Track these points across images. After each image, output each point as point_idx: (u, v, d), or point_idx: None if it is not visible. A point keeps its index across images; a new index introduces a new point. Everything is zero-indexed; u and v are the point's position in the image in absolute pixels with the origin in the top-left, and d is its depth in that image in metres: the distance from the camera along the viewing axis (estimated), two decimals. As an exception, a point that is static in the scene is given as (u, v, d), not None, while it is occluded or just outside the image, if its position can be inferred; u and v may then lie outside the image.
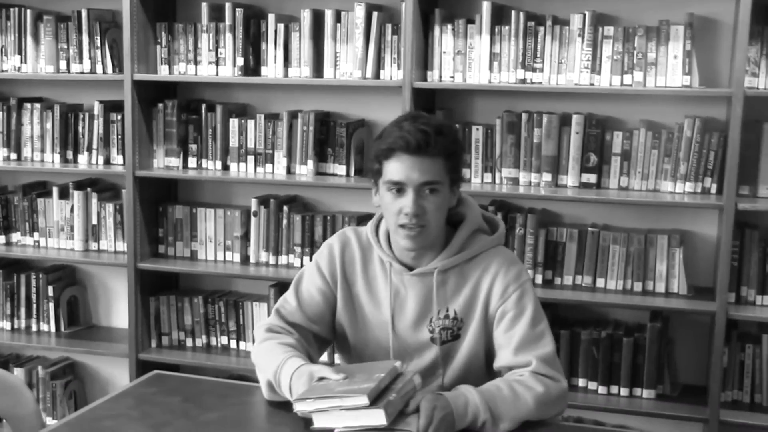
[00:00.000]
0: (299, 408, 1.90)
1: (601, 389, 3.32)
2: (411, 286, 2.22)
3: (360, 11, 3.38)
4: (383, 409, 1.81)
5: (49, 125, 3.82)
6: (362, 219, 3.49)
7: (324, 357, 3.17)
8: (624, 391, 3.30)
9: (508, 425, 1.99)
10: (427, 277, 2.21)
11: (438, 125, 2.14)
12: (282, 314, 2.28)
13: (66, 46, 3.72)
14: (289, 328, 2.25)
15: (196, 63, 3.60)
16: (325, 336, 2.33)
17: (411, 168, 2.09)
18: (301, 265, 3.55)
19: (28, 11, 3.77)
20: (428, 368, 2.22)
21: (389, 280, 2.23)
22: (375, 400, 1.82)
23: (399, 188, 2.12)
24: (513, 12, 3.27)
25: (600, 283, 3.33)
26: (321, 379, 1.97)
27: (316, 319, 2.28)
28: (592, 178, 3.30)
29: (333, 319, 2.31)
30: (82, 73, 3.71)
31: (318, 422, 1.88)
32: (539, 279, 3.35)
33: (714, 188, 3.21)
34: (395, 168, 2.11)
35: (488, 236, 2.26)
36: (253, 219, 3.65)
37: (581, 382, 3.35)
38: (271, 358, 2.12)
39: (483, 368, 2.24)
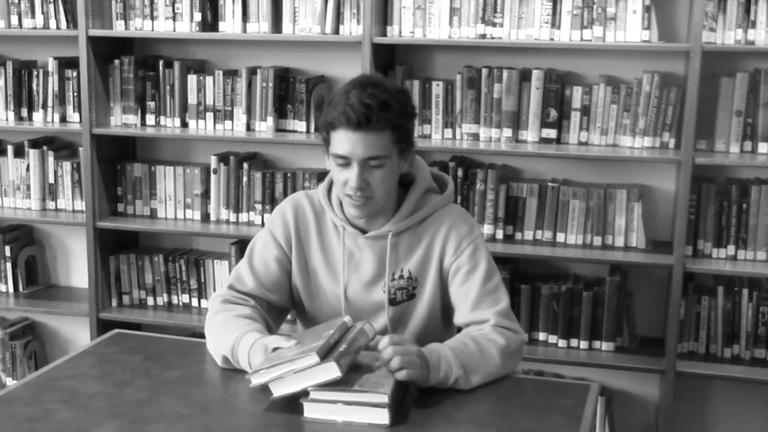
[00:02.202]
0: (256, 381, 1.89)
1: (561, 342, 3.37)
2: (365, 249, 2.22)
3: (319, -35, 3.34)
4: (334, 362, 1.82)
5: (1, 82, 3.75)
6: (322, 176, 3.46)
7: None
8: (583, 344, 3.35)
9: (480, 378, 2.02)
10: (381, 240, 2.20)
11: (385, 97, 2.05)
12: (237, 287, 2.25)
13: (17, 1, 3.63)
14: (245, 298, 2.23)
15: (152, 18, 3.53)
16: (283, 305, 2.31)
17: (354, 143, 2.05)
18: (262, 223, 3.54)
19: (-22, -35, 3.68)
20: (383, 330, 2.23)
21: (342, 243, 2.22)
22: (326, 356, 1.83)
23: (344, 161, 2.09)
24: (473, -34, 3.25)
25: (560, 237, 3.36)
26: (275, 349, 1.96)
27: (272, 288, 2.26)
28: (552, 133, 3.31)
29: (290, 285, 2.30)
30: (35, 28, 3.63)
31: (276, 391, 1.88)
32: (500, 234, 3.37)
33: (672, 143, 3.24)
34: (339, 141, 2.07)
35: (439, 195, 2.26)
36: (212, 176, 3.62)
37: (541, 336, 3.39)
38: (226, 334, 2.10)
39: (440, 325, 2.26)
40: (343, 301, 2.24)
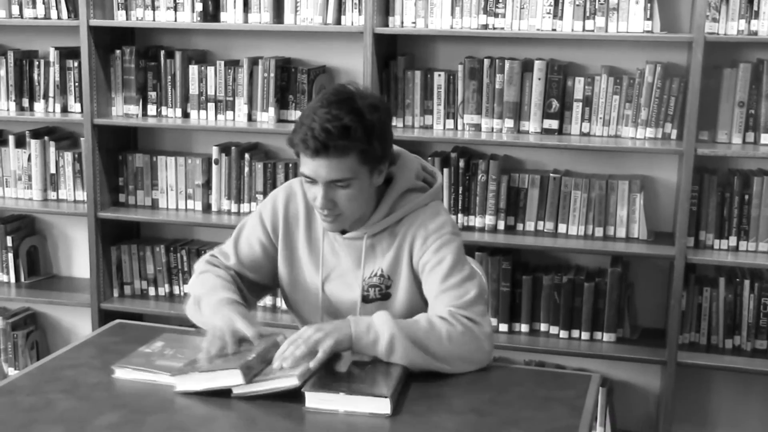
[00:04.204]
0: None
1: (563, 333, 3.37)
2: (344, 248, 2.22)
3: (320, -45, 3.33)
4: (239, 369, 1.87)
5: (2, 72, 3.74)
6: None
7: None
8: (585, 335, 3.35)
9: (412, 349, 1.96)
10: (357, 240, 2.20)
11: (347, 121, 1.98)
12: (220, 258, 2.29)
13: (19, -9, 3.63)
14: (227, 266, 2.27)
15: (153, 8, 3.53)
16: (263, 283, 2.32)
17: (318, 166, 2.02)
18: (264, 213, 3.54)
19: (-21, -46, 3.68)
20: None
21: (323, 238, 2.23)
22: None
23: (310, 180, 2.06)
24: (475, -44, 3.24)
25: (561, 228, 3.35)
26: (240, 341, 2.00)
27: (252, 268, 2.28)
28: (553, 124, 3.31)
29: (273, 269, 2.30)
30: (36, 18, 3.63)
31: (180, 385, 1.92)
32: (501, 225, 3.37)
33: (674, 134, 3.24)
34: (304, 162, 2.05)
35: (420, 194, 2.21)
36: (214, 167, 3.62)
37: (543, 327, 3.39)
38: (209, 287, 2.17)
39: None
40: (321, 294, 2.24)
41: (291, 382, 1.86)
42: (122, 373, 2.00)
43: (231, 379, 1.87)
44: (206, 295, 2.15)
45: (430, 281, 2.14)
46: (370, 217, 2.18)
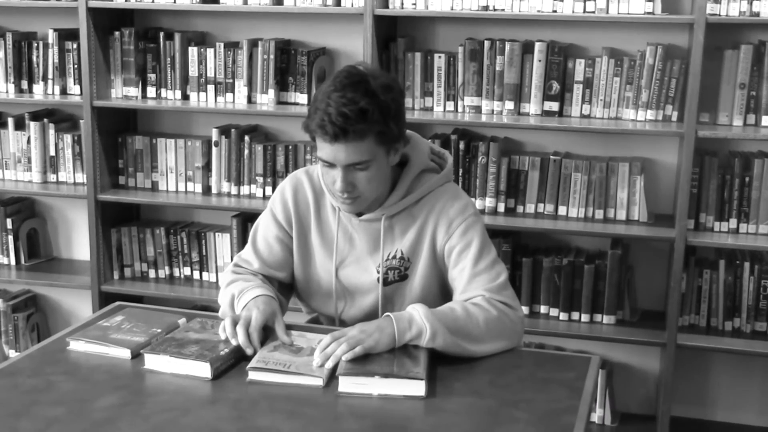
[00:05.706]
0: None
1: (563, 316, 3.37)
2: (361, 230, 2.22)
3: (320, -64, 3.31)
4: (208, 363, 1.90)
5: (1, 54, 3.73)
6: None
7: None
8: (585, 317, 3.36)
9: (451, 339, 1.98)
10: (375, 222, 2.20)
11: (364, 104, 1.98)
12: (243, 266, 2.29)
13: (17, -28, 3.62)
14: (253, 272, 2.27)
15: (152, -11, 3.52)
16: (291, 281, 2.34)
17: (336, 150, 2.02)
18: (263, 196, 3.54)
19: (-23, -65, 3.66)
20: (371, 309, 2.25)
21: (338, 223, 2.23)
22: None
23: (328, 164, 2.07)
24: (476, -63, 3.22)
25: (562, 210, 3.35)
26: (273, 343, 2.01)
27: (277, 267, 2.29)
28: (554, 106, 3.30)
29: (293, 262, 2.32)
30: (35, -1, 3.62)
31: (149, 363, 1.95)
32: (501, 207, 3.37)
33: (675, 116, 3.23)
34: (321, 147, 2.05)
35: (435, 175, 2.23)
36: (214, 149, 3.62)
37: (543, 309, 3.40)
38: (239, 289, 2.18)
39: (437, 306, 2.23)
40: (334, 280, 2.25)
41: (316, 382, 1.87)
42: (77, 346, 2.05)
43: (199, 370, 1.90)
44: (239, 295, 2.15)
45: (460, 265, 2.16)
46: (387, 198, 2.19)
